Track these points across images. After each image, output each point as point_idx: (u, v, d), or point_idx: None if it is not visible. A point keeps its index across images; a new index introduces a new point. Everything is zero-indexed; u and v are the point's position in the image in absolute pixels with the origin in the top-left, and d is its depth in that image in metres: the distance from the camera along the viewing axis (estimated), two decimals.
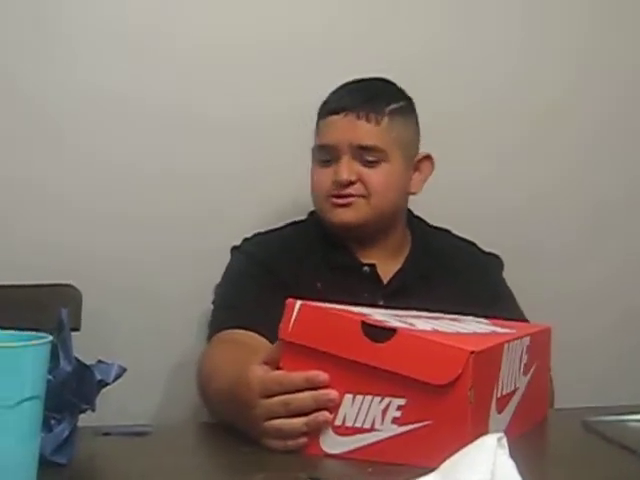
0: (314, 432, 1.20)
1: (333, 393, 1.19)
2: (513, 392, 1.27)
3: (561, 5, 2.25)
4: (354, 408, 1.17)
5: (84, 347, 1.22)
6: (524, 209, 2.20)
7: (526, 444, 1.07)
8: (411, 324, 1.22)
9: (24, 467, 0.81)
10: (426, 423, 1.14)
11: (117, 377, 1.19)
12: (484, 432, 1.12)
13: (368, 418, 1.16)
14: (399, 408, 1.15)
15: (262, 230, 1.84)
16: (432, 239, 1.84)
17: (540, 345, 1.41)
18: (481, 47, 2.21)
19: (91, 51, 1.99)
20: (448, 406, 1.13)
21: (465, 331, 1.29)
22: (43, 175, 1.97)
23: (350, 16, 2.13)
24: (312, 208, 1.84)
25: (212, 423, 1.43)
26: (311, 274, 1.72)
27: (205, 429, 1.44)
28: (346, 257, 1.77)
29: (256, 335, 1.56)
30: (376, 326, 1.18)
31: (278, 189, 2.06)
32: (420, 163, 1.81)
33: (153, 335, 1.99)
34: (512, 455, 0.93)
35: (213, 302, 1.77)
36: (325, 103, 1.77)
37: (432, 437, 1.12)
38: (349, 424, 1.18)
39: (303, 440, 1.20)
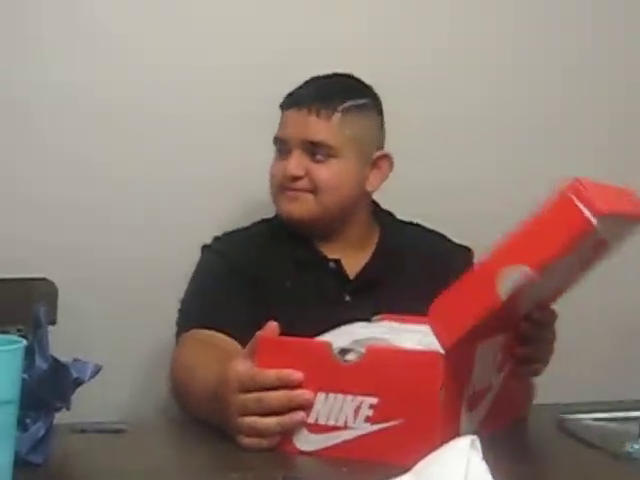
0: (288, 431, 1.21)
1: (308, 393, 1.20)
2: (487, 389, 1.28)
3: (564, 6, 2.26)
4: (327, 406, 1.19)
5: (58, 341, 1.22)
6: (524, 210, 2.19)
7: (499, 443, 1.07)
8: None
9: None
10: (398, 422, 1.16)
11: (93, 375, 1.19)
12: (455, 429, 1.18)
13: (341, 416, 1.18)
14: (371, 407, 1.17)
15: (233, 229, 1.84)
16: (400, 232, 1.83)
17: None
18: (481, 46, 2.21)
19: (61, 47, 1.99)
20: (419, 405, 1.15)
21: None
22: (11, 167, 1.96)
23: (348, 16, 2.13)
24: None
25: (188, 420, 1.43)
26: (279, 272, 1.72)
27: (181, 426, 1.44)
28: (311, 253, 1.76)
29: (226, 337, 1.56)
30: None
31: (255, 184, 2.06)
32: (379, 161, 1.78)
33: (128, 329, 1.98)
34: (484, 455, 0.94)
35: (181, 300, 1.75)
36: (287, 96, 1.77)
37: (404, 435, 1.15)
38: (322, 422, 1.19)
39: (277, 439, 1.21)
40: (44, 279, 1.88)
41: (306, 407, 1.20)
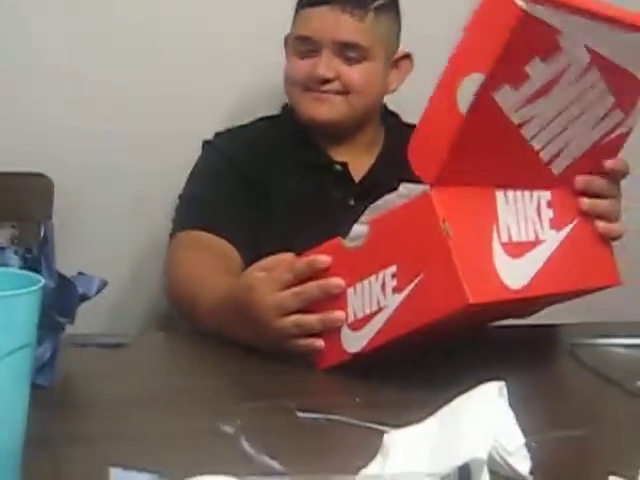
0: (330, 330, 1.18)
1: (337, 280, 1.17)
2: (533, 243, 1.21)
3: None
4: (358, 298, 1.16)
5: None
6: None
7: (515, 377, 1.04)
8: None
9: (15, 414, 0.78)
10: (420, 277, 1.11)
11: (99, 290, 1.16)
12: (491, 273, 1.13)
13: (372, 300, 1.15)
14: (393, 276, 1.13)
15: (234, 125, 1.79)
16: (406, 134, 1.78)
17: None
18: None
19: None
20: (431, 250, 1.11)
21: None
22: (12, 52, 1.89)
23: None
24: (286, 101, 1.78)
25: (190, 333, 1.41)
26: (280, 173, 1.68)
27: (183, 341, 1.40)
28: (317, 155, 1.72)
29: (224, 241, 1.53)
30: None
31: (254, 78, 1.99)
32: (399, 61, 1.75)
33: (128, 230, 1.95)
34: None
35: (180, 197, 1.72)
36: None
37: (432, 286, 1.11)
38: (360, 315, 1.16)
39: (320, 343, 1.19)
40: (40, 174, 1.83)
41: (339, 294, 1.17)
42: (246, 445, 0.93)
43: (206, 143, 1.74)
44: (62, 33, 1.91)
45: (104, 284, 1.17)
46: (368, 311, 1.16)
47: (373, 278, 1.15)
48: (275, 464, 0.89)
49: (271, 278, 1.20)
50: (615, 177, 1.32)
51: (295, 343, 1.20)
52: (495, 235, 1.16)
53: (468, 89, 1.08)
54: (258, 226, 1.60)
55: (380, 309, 1.15)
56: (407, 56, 1.75)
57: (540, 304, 1.38)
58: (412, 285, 1.12)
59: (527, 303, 1.24)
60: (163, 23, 1.97)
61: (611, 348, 1.41)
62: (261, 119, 1.79)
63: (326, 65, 1.65)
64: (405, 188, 1.17)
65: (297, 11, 1.70)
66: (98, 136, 1.92)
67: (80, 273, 1.16)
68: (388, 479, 0.82)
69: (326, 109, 1.67)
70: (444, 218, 1.10)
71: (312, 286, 1.18)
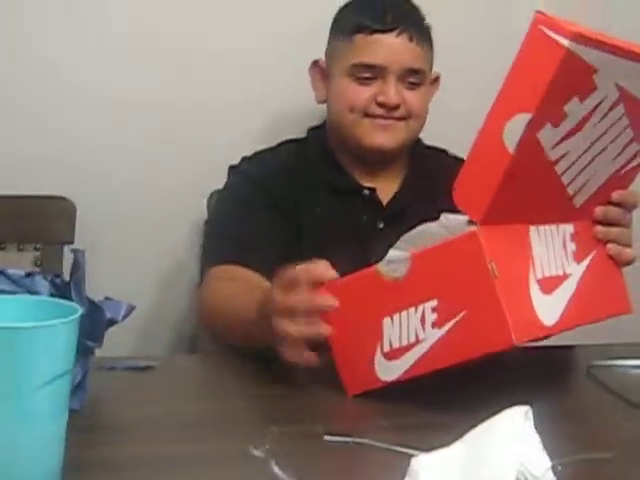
0: (312, 343, 1.20)
1: (331, 299, 1.20)
2: (562, 277, 1.24)
3: None
4: (395, 329, 1.17)
5: None
6: None
7: (538, 400, 1.03)
8: None
9: (57, 439, 0.80)
10: (462, 313, 1.12)
11: (126, 315, 1.18)
12: (528, 309, 1.15)
13: (411, 332, 1.16)
14: (434, 310, 1.14)
15: (260, 149, 1.79)
16: (428, 160, 1.81)
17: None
18: None
19: None
20: (475, 288, 1.12)
21: None
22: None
23: None
24: (310, 125, 1.80)
25: (217, 356, 1.42)
26: (310, 197, 1.69)
27: (210, 364, 1.42)
28: (346, 180, 1.74)
29: (258, 274, 1.52)
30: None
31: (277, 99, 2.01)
32: (433, 83, 1.77)
33: (150, 256, 1.96)
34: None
35: (207, 223, 1.73)
36: (363, 17, 1.68)
37: (473, 324, 1.12)
38: (396, 345, 1.18)
39: (315, 359, 1.21)
40: (63, 198, 1.85)
41: (374, 323, 1.19)
42: (276, 469, 0.94)
43: (233, 168, 1.75)
44: (77, 49, 1.94)
45: (132, 309, 1.18)
46: (405, 342, 1.17)
47: (412, 310, 1.16)
48: None
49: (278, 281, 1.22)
50: (627, 207, 1.36)
51: (287, 353, 1.21)
52: (531, 272, 1.18)
53: (515, 129, 1.09)
54: (289, 249, 1.60)
55: (418, 341, 1.16)
56: (438, 78, 1.78)
57: None
58: (453, 321, 1.13)
59: None
60: (188, 39, 1.98)
61: (629, 369, 1.43)
62: (287, 142, 1.81)
63: (395, 91, 1.66)
64: (446, 219, 1.18)
65: (353, 37, 1.68)
66: (117, 155, 1.95)
67: (107, 298, 1.17)
68: None
69: (390, 136, 1.68)
70: (491, 259, 1.11)
71: (303, 299, 1.20)
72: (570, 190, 1.25)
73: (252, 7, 2.00)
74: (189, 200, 1.86)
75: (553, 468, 0.92)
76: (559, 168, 1.20)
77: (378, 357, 1.19)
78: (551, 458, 0.92)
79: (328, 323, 1.21)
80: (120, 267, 1.92)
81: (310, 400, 1.20)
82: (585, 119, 1.17)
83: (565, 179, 1.22)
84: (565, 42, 1.06)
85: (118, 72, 1.94)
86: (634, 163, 1.32)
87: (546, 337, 1.19)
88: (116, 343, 1.24)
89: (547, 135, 1.13)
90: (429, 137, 1.79)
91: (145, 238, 1.97)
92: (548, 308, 1.18)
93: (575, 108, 1.13)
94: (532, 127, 1.10)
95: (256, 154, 1.77)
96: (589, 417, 1.27)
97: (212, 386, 1.30)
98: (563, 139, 1.16)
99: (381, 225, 1.71)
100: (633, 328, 1.79)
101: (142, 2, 1.95)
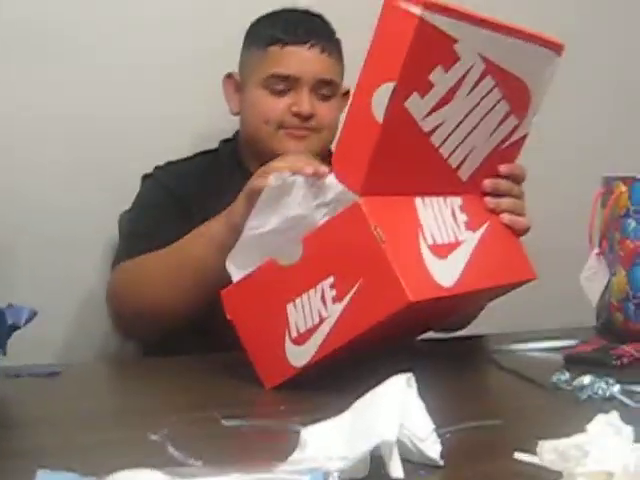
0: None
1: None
2: (455, 244, 1.27)
3: None
4: (299, 312, 1.20)
5: None
6: None
7: (436, 380, 1.12)
8: None
9: None
10: (358, 284, 1.15)
11: (28, 320, 1.19)
12: (424, 273, 1.19)
13: (314, 313, 1.19)
14: (332, 287, 1.17)
15: (173, 159, 1.81)
16: None
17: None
18: None
19: None
20: (366, 257, 1.15)
21: None
22: None
23: None
24: (222, 137, 1.83)
25: (123, 361, 1.43)
26: (223, 207, 1.67)
27: (117, 368, 1.45)
28: None
29: None
30: None
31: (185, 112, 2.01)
32: (344, 96, 1.79)
33: (56, 269, 1.93)
34: (421, 392, 0.97)
35: (121, 230, 1.73)
36: (276, 30, 1.71)
37: (370, 292, 1.15)
38: (302, 329, 1.20)
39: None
40: None
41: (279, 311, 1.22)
42: (172, 450, 0.97)
43: (146, 177, 1.77)
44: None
45: (34, 314, 1.20)
46: (310, 324, 1.19)
47: (312, 291, 1.19)
48: (198, 464, 0.93)
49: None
50: (516, 179, 1.41)
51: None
52: (421, 239, 1.22)
53: (381, 99, 1.14)
54: None
55: (322, 320, 1.18)
56: (348, 92, 1.78)
57: (470, 304, 1.46)
58: (352, 292, 1.16)
59: (459, 301, 1.29)
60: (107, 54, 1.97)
61: (528, 352, 1.50)
62: (199, 153, 1.83)
63: (309, 101, 1.69)
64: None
65: (267, 49, 1.71)
66: (31, 170, 1.92)
67: (10, 304, 1.19)
68: (304, 466, 0.86)
69: (304, 146, 1.69)
70: (375, 225, 1.15)
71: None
72: (452, 163, 1.29)
73: (172, 23, 2.02)
74: (99, 213, 1.87)
75: (441, 435, 0.96)
76: (435, 139, 1.24)
77: (288, 344, 1.22)
78: (441, 427, 0.97)
79: (238, 322, 1.24)
80: (28, 276, 1.90)
81: (215, 391, 1.23)
82: (453, 90, 1.21)
83: (444, 151, 1.27)
84: (417, 11, 1.11)
85: (34, 87, 1.93)
86: (515, 136, 1.37)
87: (446, 298, 1.21)
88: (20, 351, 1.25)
89: (415, 104, 1.18)
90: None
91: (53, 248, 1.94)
92: (443, 270, 1.21)
93: (440, 78, 1.18)
94: (398, 96, 1.14)
95: (169, 164, 1.80)
96: (483, 392, 1.32)
97: (117, 386, 1.33)
98: (433, 109, 1.20)
99: None
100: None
101: (62, 16, 1.94)
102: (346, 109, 1.68)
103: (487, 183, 1.37)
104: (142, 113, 1.98)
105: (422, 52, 1.14)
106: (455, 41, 1.17)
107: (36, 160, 1.92)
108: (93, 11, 1.95)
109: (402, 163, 1.21)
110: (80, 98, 1.94)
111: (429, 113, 1.20)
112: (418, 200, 1.26)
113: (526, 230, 1.42)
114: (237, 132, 1.83)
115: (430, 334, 1.51)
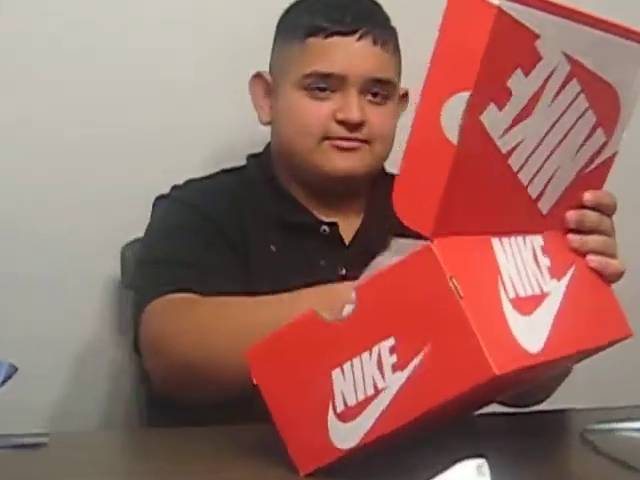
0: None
1: None
2: (541, 296, 1.05)
3: None
4: (348, 381, 0.99)
5: None
6: None
7: (515, 467, 0.93)
8: None
9: None
10: (427, 348, 0.95)
11: (7, 378, 1.08)
12: (508, 337, 0.97)
13: (367, 382, 0.98)
14: (391, 351, 0.96)
15: (194, 177, 1.57)
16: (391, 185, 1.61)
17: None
18: None
19: None
20: (437, 315, 0.95)
21: None
22: None
23: None
24: (250, 152, 1.59)
25: (117, 432, 1.27)
26: (262, 234, 1.47)
27: (117, 439, 1.28)
28: (302, 214, 1.50)
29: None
30: None
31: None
32: (401, 100, 1.54)
33: (44, 327, 1.77)
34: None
35: (140, 260, 1.50)
36: (316, 17, 1.46)
37: (442, 360, 0.94)
38: (352, 402, 0.99)
39: None
40: None
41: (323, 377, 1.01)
42: None
43: (160, 198, 1.53)
44: None
45: (13, 370, 1.08)
46: (362, 397, 0.98)
47: (366, 355, 0.97)
48: None
49: None
50: (605, 210, 1.17)
51: None
52: (502, 291, 1.00)
53: (454, 112, 0.93)
54: (236, 288, 1.35)
55: (378, 392, 0.97)
56: (406, 94, 1.55)
57: (554, 371, 1.24)
58: (418, 359, 0.95)
59: (544, 369, 1.08)
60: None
61: (625, 432, 1.28)
62: (222, 172, 1.59)
63: (358, 106, 1.44)
64: (397, 244, 1.03)
65: (302, 42, 1.46)
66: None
67: None
68: None
69: (355, 160, 1.46)
70: (452, 275, 0.94)
71: None
72: (531, 192, 1.07)
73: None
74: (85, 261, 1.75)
75: None
76: (513, 163, 1.02)
77: (331, 420, 1.00)
78: None
79: (267, 389, 1.02)
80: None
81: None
82: (535, 98, 1.00)
83: (523, 177, 1.05)
84: (495, 1, 0.92)
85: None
86: (603, 157, 1.16)
87: (533, 367, 1.00)
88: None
89: (492, 119, 0.97)
90: (388, 162, 1.56)
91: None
92: (529, 332, 1.00)
93: (520, 83, 0.97)
94: (473, 107, 0.93)
95: (190, 181, 1.55)
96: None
97: (115, 463, 1.16)
98: (512, 125, 0.99)
99: (343, 271, 1.46)
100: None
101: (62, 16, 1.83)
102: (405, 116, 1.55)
103: (571, 216, 1.13)
104: (142, 125, 1.83)
105: (501, 52, 0.94)
106: (537, 37, 0.97)
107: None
108: (93, 11, 1.84)
109: (478, 193, 1.01)
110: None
111: (508, 129, 0.99)
112: (495, 241, 1.04)
113: (619, 275, 1.17)
114: (268, 145, 1.58)
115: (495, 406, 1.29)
